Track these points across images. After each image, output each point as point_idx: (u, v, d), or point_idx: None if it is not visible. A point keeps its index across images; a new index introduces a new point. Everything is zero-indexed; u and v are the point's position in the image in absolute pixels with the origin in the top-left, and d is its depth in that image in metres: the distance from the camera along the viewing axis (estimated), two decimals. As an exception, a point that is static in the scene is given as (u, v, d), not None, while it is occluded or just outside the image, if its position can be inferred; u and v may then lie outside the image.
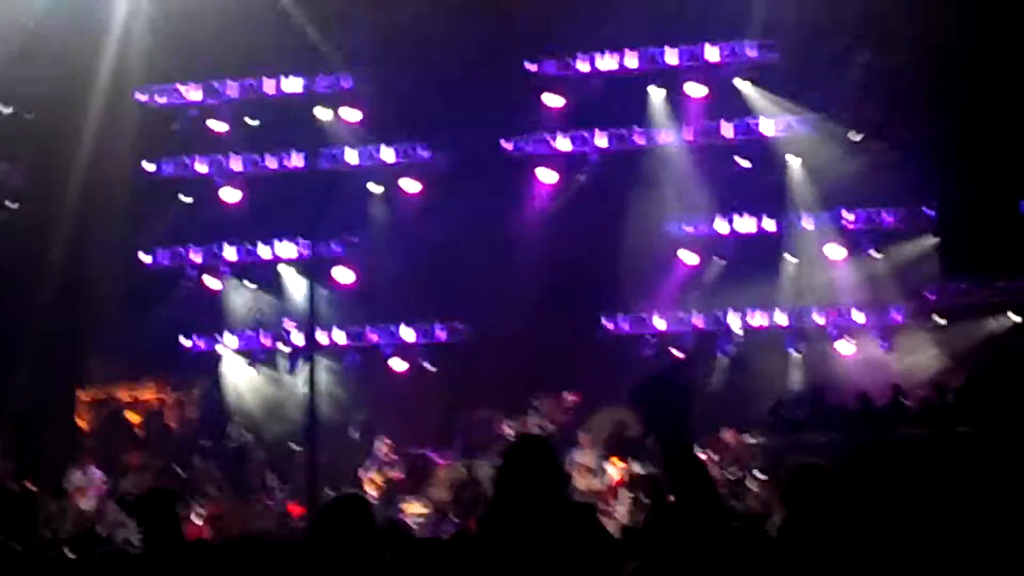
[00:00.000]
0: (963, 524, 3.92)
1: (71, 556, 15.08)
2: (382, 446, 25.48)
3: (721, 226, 28.55)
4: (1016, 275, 26.51)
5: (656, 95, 28.80)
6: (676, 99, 28.65)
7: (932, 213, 26.20)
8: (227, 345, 30.91)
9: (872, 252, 27.84)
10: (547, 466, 6.43)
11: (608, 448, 25.40)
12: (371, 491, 24.49)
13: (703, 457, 23.76)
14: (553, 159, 29.50)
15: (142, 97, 30.09)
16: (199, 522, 24.76)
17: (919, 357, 27.25)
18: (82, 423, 31.06)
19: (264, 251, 30.65)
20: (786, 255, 28.40)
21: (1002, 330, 27.20)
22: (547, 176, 29.48)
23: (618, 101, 28.74)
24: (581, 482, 23.54)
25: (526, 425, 25.26)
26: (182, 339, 30.87)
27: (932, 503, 4.01)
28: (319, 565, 6.26)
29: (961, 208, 22.66)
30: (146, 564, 4.53)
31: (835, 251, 28.07)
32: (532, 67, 28.94)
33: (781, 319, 28.08)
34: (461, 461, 25.56)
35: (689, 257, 28.80)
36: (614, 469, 24.38)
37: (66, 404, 30.43)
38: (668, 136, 28.80)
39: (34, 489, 26.60)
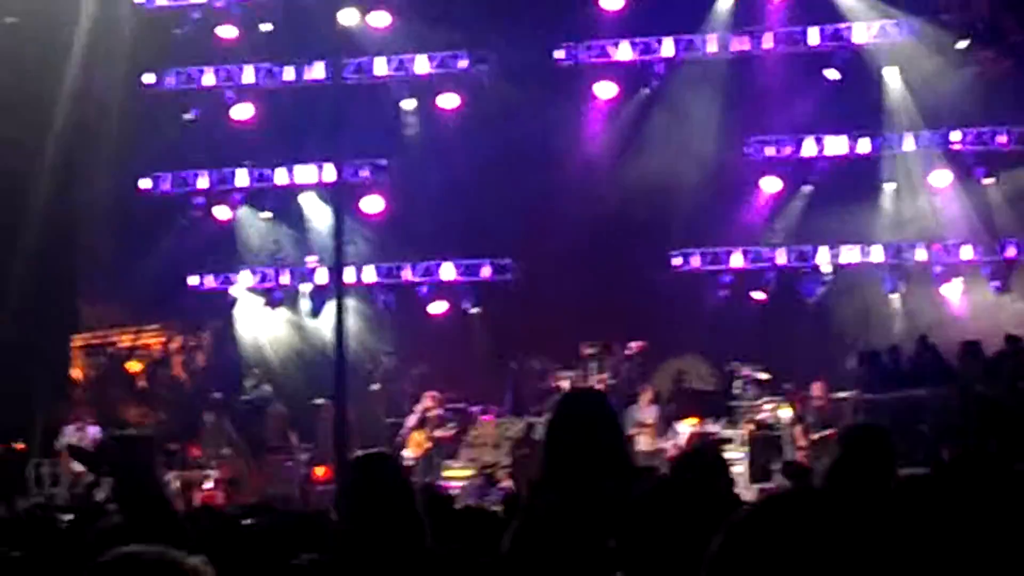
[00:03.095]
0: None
1: (64, 522, 15.26)
2: (427, 400, 25.25)
3: (808, 148, 28.40)
4: None
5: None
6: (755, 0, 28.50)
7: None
8: (241, 284, 31.09)
9: (983, 178, 27.67)
10: (602, 423, 6.43)
11: (670, 403, 25.39)
12: (413, 452, 24.53)
13: (788, 415, 23.74)
14: (612, 70, 29.22)
15: (139, -1, 30.09)
16: (210, 486, 25.01)
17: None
18: (76, 374, 31.24)
19: (281, 176, 30.60)
20: (883, 182, 28.28)
21: None
22: (605, 90, 29.26)
23: (687, 2, 28.62)
24: (644, 442, 23.50)
25: (585, 378, 25.30)
26: (189, 278, 30.87)
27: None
28: (344, 538, 6.27)
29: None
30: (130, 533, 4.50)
31: (940, 177, 27.87)
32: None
33: (877, 255, 27.90)
34: (510, 418, 25.59)
35: (771, 184, 28.69)
36: (686, 428, 24.35)
37: (59, 355, 30.44)
38: (745, 44, 28.65)
39: (19, 448, 26.82)
